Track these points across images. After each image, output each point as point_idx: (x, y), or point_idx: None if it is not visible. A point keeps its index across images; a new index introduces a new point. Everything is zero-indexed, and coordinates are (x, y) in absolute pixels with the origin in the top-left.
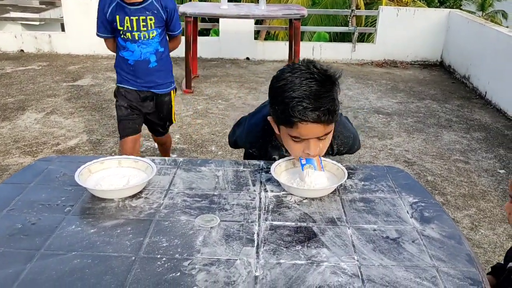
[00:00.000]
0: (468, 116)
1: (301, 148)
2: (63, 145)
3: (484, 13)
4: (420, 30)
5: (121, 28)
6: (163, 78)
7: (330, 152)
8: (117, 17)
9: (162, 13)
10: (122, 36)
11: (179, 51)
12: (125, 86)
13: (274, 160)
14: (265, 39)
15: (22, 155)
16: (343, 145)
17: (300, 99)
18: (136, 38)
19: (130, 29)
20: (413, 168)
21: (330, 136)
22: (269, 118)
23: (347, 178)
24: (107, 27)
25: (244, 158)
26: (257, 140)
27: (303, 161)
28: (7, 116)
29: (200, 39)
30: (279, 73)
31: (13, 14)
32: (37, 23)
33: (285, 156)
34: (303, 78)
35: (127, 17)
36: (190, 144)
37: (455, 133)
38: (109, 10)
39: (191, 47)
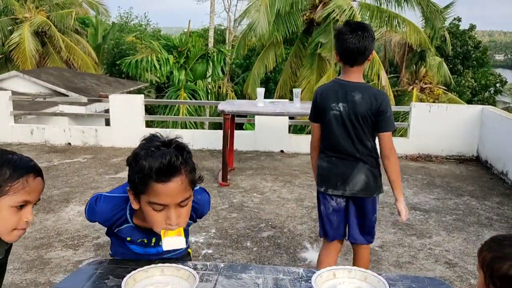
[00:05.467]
0: (509, 215)
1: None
2: (103, 238)
3: None
4: (453, 125)
5: None
6: None
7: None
8: None
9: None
10: None
11: (216, 144)
12: None
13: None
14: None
15: (64, 248)
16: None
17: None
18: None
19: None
20: (454, 270)
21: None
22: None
23: None
24: None
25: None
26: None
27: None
28: (52, 208)
29: (236, 132)
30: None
31: (61, 108)
32: (84, 115)
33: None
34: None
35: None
36: (226, 239)
37: (497, 232)
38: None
39: (228, 141)
